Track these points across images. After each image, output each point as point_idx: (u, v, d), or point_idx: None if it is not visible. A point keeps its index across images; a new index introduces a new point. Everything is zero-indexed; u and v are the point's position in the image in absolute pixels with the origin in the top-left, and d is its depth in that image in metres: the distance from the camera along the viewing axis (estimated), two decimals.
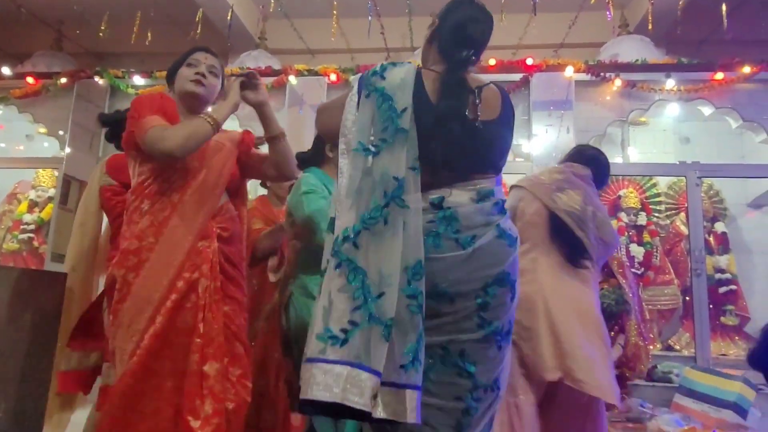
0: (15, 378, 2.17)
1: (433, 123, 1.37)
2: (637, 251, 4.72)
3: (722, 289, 4.65)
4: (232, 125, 3.90)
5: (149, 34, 4.66)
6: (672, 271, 4.70)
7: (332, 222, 1.39)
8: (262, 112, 1.89)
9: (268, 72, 4.66)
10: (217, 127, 1.73)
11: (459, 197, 1.38)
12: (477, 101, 1.42)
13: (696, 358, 4.01)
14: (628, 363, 3.36)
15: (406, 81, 1.38)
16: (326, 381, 1.18)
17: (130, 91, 4.84)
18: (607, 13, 4.28)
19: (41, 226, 5.36)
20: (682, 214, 4.80)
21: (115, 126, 2.23)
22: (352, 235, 1.28)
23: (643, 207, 4.90)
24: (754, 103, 4.22)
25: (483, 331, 1.34)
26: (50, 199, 5.34)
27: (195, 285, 1.68)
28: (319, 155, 2.30)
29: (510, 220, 1.46)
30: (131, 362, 1.58)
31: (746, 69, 4.16)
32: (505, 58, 4.48)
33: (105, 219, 2.43)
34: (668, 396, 3.60)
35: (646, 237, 4.78)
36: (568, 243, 2.22)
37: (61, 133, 4.91)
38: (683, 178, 4.52)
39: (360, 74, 1.46)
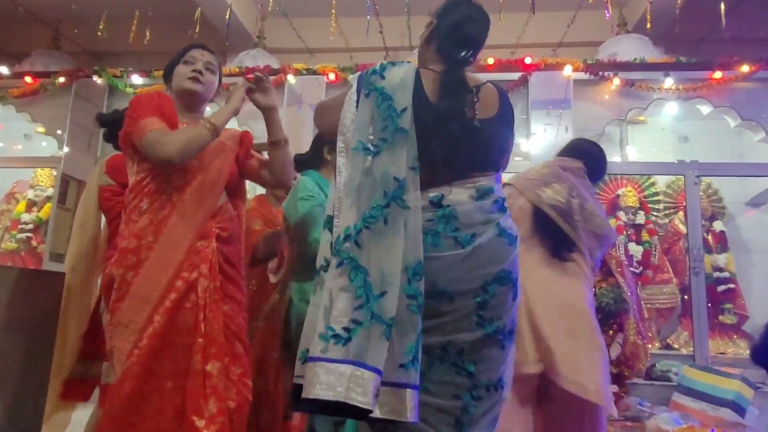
0: (13, 378, 2.17)
1: (433, 122, 1.38)
2: (636, 250, 4.73)
3: (721, 288, 4.65)
4: (230, 124, 3.89)
5: (147, 33, 4.65)
6: (670, 269, 4.71)
7: (329, 220, 1.39)
8: (269, 116, 1.88)
9: (267, 71, 4.65)
10: (216, 133, 1.72)
11: (458, 195, 1.38)
12: (475, 100, 1.43)
13: (694, 356, 4.02)
14: (626, 362, 3.36)
15: (405, 80, 1.38)
16: (329, 380, 1.18)
17: (129, 90, 4.84)
18: (606, 12, 4.28)
19: (39, 226, 5.35)
20: (681, 213, 4.80)
21: (113, 126, 2.22)
22: (353, 234, 1.28)
23: (642, 206, 4.91)
24: (753, 102, 4.23)
25: (483, 330, 1.33)
26: (48, 198, 5.34)
27: (194, 285, 1.67)
28: (318, 157, 2.30)
29: (510, 218, 1.46)
30: (130, 362, 1.58)
31: (745, 68, 4.17)
32: (503, 57, 4.48)
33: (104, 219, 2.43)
34: (667, 394, 3.61)
35: (645, 236, 4.79)
36: (553, 237, 2.21)
37: (59, 132, 4.91)
38: (682, 176, 4.53)
39: (359, 73, 1.46)
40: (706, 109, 4.36)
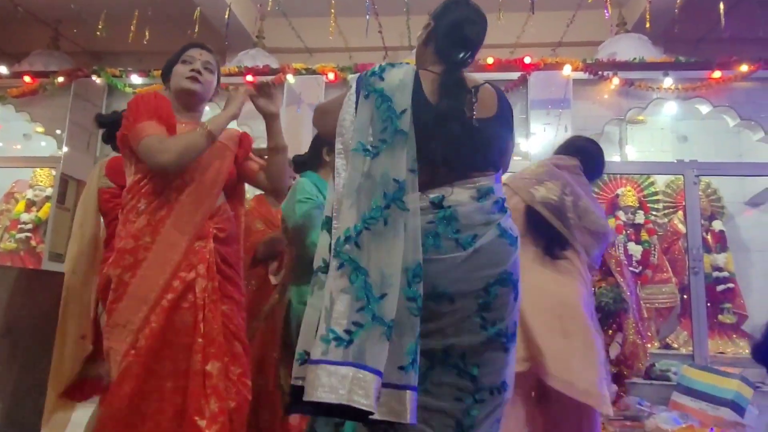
0: (12, 378, 2.17)
1: (433, 123, 1.38)
2: (635, 250, 4.73)
3: (720, 287, 4.65)
4: (230, 123, 3.88)
5: (147, 33, 4.65)
6: (670, 269, 4.71)
7: (327, 221, 1.39)
8: (270, 123, 1.88)
9: (266, 71, 4.66)
10: (212, 140, 1.72)
11: (459, 195, 1.38)
12: (474, 100, 1.43)
13: (694, 356, 4.03)
14: (626, 361, 3.36)
15: (404, 82, 1.38)
16: (331, 383, 1.17)
17: (128, 90, 4.84)
18: (605, 11, 4.28)
19: (39, 226, 5.35)
20: (680, 213, 4.80)
21: (112, 127, 2.22)
22: (353, 235, 1.27)
23: (641, 205, 4.91)
24: (752, 102, 4.23)
25: (486, 333, 1.33)
26: (48, 198, 5.33)
27: (192, 285, 1.67)
28: (316, 158, 2.30)
29: (511, 218, 1.46)
30: (127, 362, 1.58)
31: (744, 67, 4.18)
32: (503, 57, 4.49)
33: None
34: (666, 394, 3.61)
35: (644, 235, 4.79)
36: (546, 235, 2.20)
37: (58, 132, 4.90)
38: (681, 176, 4.53)
39: (358, 74, 1.46)
40: (705, 108, 4.36)
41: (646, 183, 5.05)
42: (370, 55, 4.99)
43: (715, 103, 4.27)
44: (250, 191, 3.34)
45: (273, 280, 2.54)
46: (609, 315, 3.32)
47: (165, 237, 1.67)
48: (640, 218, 4.83)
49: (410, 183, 1.32)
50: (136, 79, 4.87)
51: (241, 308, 1.84)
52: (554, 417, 2.15)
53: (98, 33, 4.61)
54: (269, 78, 1.89)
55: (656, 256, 4.72)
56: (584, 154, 2.41)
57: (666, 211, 5.01)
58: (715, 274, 4.69)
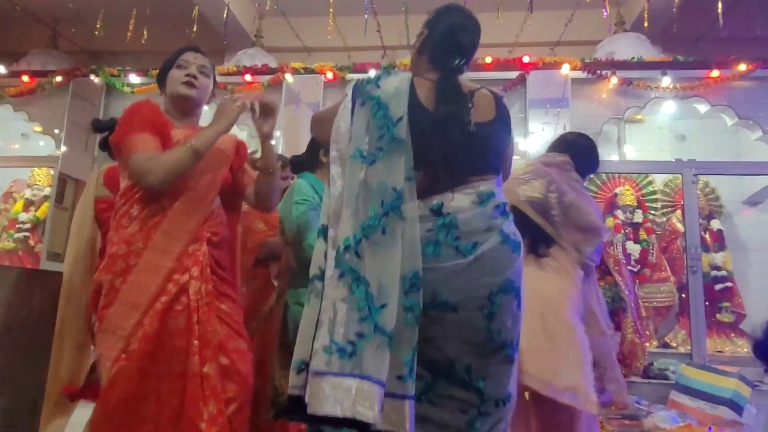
0: (10, 378, 2.17)
1: (431, 129, 1.37)
2: (634, 249, 4.73)
3: (718, 286, 4.66)
4: None
5: (145, 33, 4.64)
6: (668, 268, 4.71)
7: (323, 230, 1.38)
8: (265, 144, 1.84)
9: (264, 70, 4.65)
10: (199, 158, 1.67)
11: (460, 201, 1.37)
12: (470, 105, 1.42)
13: (692, 355, 4.03)
14: (624, 360, 3.36)
15: (400, 90, 1.38)
16: (336, 395, 1.16)
17: (126, 89, 4.83)
18: (603, 10, 4.29)
19: (37, 225, 5.35)
20: (678, 212, 4.81)
21: (108, 133, 2.21)
22: (353, 245, 1.27)
23: (640, 204, 4.92)
24: (750, 101, 4.24)
25: (492, 344, 1.32)
26: (46, 197, 5.33)
27: (186, 287, 1.65)
28: (313, 159, 2.29)
29: (513, 223, 1.44)
30: (119, 366, 1.56)
31: (742, 66, 4.18)
32: (501, 56, 4.49)
33: None
34: (664, 393, 3.61)
35: (643, 234, 4.79)
36: (530, 234, 2.17)
37: (56, 131, 4.90)
38: (679, 175, 4.54)
39: (354, 82, 1.45)
40: (703, 107, 4.36)
41: (645, 182, 5.06)
42: (369, 54, 4.99)
43: (713, 102, 4.28)
44: None
45: (275, 281, 2.54)
46: (607, 314, 3.32)
47: (157, 243, 1.65)
48: (638, 217, 4.83)
49: (408, 191, 1.31)
50: (134, 78, 4.86)
51: (240, 307, 1.84)
52: (548, 417, 2.15)
53: (96, 32, 4.60)
54: (271, 100, 1.83)
55: (654, 255, 4.73)
56: (575, 149, 2.40)
57: (664, 210, 5.02)
58: (714, 273, 4.69)
